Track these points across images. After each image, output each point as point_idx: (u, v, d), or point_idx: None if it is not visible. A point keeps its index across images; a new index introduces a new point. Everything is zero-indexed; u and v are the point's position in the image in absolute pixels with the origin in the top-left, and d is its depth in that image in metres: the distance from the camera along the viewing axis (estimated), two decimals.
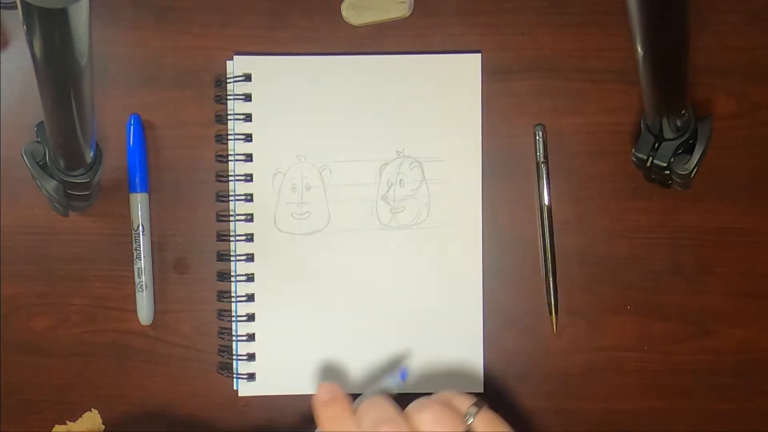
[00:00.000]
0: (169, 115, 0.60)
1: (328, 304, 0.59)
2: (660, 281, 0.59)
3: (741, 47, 0.59)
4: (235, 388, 0.59)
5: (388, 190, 0.59)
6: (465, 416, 0.46)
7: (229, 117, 0.59)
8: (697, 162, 0.52)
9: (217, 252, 0.60)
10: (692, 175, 0.53)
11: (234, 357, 0.59)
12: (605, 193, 0.59)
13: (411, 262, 0.59)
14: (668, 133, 0.52)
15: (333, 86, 0.59)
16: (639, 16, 0.41)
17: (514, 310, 0.59)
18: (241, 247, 0.59)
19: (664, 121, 0.51)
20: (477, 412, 0.47)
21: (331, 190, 0.59)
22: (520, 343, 0.59)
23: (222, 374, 0.59)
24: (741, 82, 0.59)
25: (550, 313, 0.59)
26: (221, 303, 0.59)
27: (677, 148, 0.53)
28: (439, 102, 0.59)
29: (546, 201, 0.59)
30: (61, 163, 0.51)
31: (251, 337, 0.59)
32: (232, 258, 0.59)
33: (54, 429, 0.59)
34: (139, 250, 0.59)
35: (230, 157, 0.59)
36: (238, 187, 0.59)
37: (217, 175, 0.60)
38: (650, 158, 0.54)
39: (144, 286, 0.59)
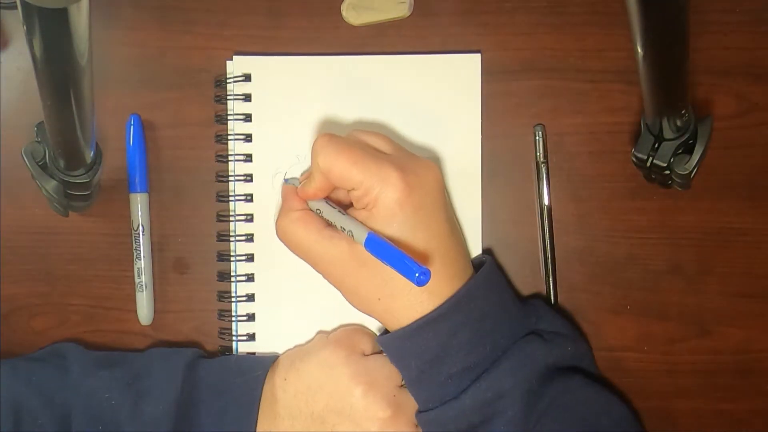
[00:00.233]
0: (169, 115, 0.60)
1: (329, 304, 0.59)
2: (660, 281, 0.59)
3: (741, 47, 0.59)
4: None
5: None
6: None
7: (229, 117, 0.59)
8: (697, 162, 0.52)
9: (217, 252, 0.60)
10: (692, 175, 0.53)
11: None
12: (605, 193, 0.59)
13: None
14: (668, 133, 0.52)
15: (333, 86, 0.59)
16: (639, 16, 0.41)
17: None
18: (241, 247, 0.59)
19: (664, 121, 0.51)
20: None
21: None
22: None
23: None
24: (741, 82, 0.59)
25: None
26: (221, 303, 0.59)
27: (677, 148, 0.53)
28: (439, 102, 0.59)
29: (546, 201, 0.59)
30: (61, 163, 0.51)
31: (252, 337, 0.59)
32: (232, 258, 0.59)
33: None
34: (139, 250, 0.59)
35: (230, 157, 0.59)
36: (238, 187, 0.59)
37: (217, 175, 0.60)
38: (650, 158, 0.54)
39: (144, 286, 0.59)
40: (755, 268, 0.59)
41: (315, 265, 0.53)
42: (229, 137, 0.59)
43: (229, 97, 0.59)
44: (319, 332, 0.59)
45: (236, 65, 0.59)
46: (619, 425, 0.53)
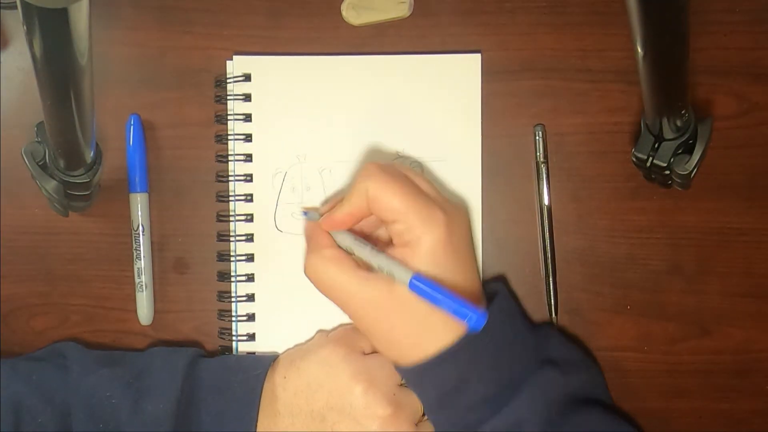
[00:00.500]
0: (169, 115, 0.60)
1: (329, 304, 0.59)
2: (660, 281, 0.59)
3: (741, 47, 0.59)
4: None
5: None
6: None
7: (229, 117, 0.59)
8: (697, 162, 0.52)
9: (217, 252, 0.60)
10: (692, 175, 0.53)
11: None
12: (605, 193, 0.59)
13: None
14: (668, 133, 0.52)
15: (333, 86, 0.59)
16: (639, 16, 0.41)
17: None
18: (241, 247, 0.59)
19: (664, 121, 0.51)
20: None
21: (331, 190, 0.59)
22: None
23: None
24: (741, 82, 0.59)
25: (550, 313, 0.59)
26: (221, 303, 0.59)
27: (677, 148, 0.53)
28: (439, 102, 0.59)
29: (546, 201, 0.59)
30: (61, 163, 0.51)
31: (252, 338, 0.59)
32: (232, 258, 0.59)
33: None
34: (139, 250, 0.59)
35: (230, 157, 0.59)
36: (238, 187, 0.59)
37: (217, 175, 0.60)
38: (650, 158, 0.54)
39: (144, 286, 0.59)
40: (755, 268, 0.59)
41: (346, 307, 0.52)
42: (229, 137, 0.59)
43: (229, 97, 0.59)
44: (319, 331, 0.59)
45: (236, 65, 0.59)
46: None
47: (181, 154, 0.60)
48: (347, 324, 0.58)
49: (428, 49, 0.59)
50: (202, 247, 0.60)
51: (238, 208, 0.59)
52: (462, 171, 0.59)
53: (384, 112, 0.59)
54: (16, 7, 0.56)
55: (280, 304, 0.59)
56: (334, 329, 0.58)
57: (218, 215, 0.60)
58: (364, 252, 0.51)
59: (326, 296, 0.53)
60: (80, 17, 0.35)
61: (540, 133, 0.59)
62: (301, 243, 0.59)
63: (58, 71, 0.39)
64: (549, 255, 0.59)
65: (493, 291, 0.55)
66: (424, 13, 0.59)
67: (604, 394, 0.57)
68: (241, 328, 0.59)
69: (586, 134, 0.59)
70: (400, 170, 0.53)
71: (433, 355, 0.50)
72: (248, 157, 0.59)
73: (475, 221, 0.59)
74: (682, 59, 0.45)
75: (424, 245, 0.49)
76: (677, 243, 0.59)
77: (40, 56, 0.38)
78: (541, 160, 0.59)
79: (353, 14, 0.59)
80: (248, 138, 0.59)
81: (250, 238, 0.59)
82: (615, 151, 0.59)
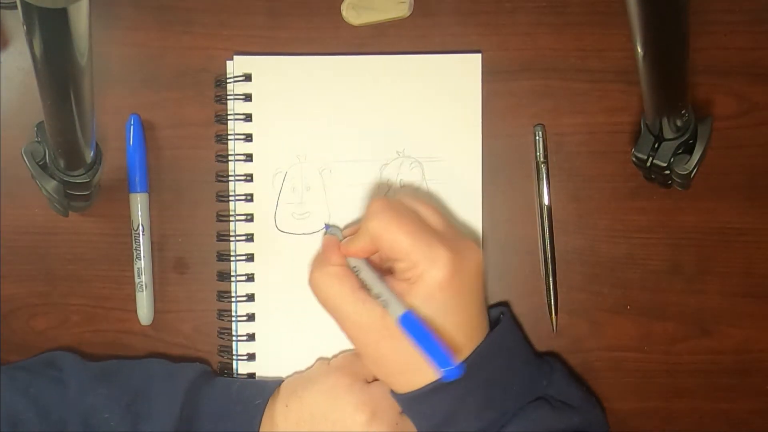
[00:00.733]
0: (169, 115, 0.60)
1: None
2: (660, 281, 0.59)
3: (741, 47, 0.59)
4: None
5: (388, 191, 0.59)
6: None
7: (229, 117, 0.59)
8: (697, 162, 0.52)
9: (217, 252, 0.60)
10: (692, 175, 0.53)
11: (234, 357, 0.59)
12: (605, 193, 0.59)
13: None
14: (668, 133, 0.52)
15: (333, 86, 0.59)
16: (639, 16, 0.41)
17: (514, 310, 0.59)
18: (241, 247, 0.59)
19: (664, 121, 0.51)
20: None
21: (331, 190, 0.59)
22: None
23: (222, 374, 0.59)
24: (741, 82, 0.59)
25: (550, 313, 0.59)
26: (221, 303, 0.59)
27: (677, 148, 0.53)
28: (439, 102, 0.59)
29: (546, 201, 0.59)
30: (61, 163, 0.51)
31: (251, 337, 0.59)
32: (232, 258, 0.59)
33: None
34: (139, 250, 0.59)
35: (230, 157, 0.59)
36: (238, 187, 0.59)
37: (217, 175, 0.60)
38: (650, 158, 0.54)
39: (144, 286, 0.59)
40: (755, 268, 0.59)
41: (341, 324, 0.53)
42: (229, 137, 0.59)
43: (229, 97, 0.59)
44: (320, 359, 0.59)
45: (236, 65, 0.59)
46: None
47: (181, 154, 0.60)
48: (348, 350, 0.58)
49: (428, 49, 0.59)
50: (202, 247, 0.60)
51: (238, 208, 0.59)
52: (462, 171, 0.59)
53: (384, 112, 0.59)
54: (16, 7, 0.56)
55: (279, 304, 0.59)
56: (335, 356, 0.58)
57: (218, 215, 0.60)
58: (369, 276, 0.52)
59: (325, 309, 0.53)
60: (80, 17, 0.35)
61: (540, 133, 0.59)
62: (301, 243, 0.59)
63: (58, 71, 0.39)
64: (549, 255, 0.59)
65: (495, 319, 0.55)
66: (424, 13, 0.59)
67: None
68: (241, 328, 0.59)
69: (586, 134, 0.59)
70: (409, 204, 0.53)
71: (422, 387, 0.50)
72: (248, 157, 0.59)
73: (476, 221, 0.59)
74: (682, 59, 0.45)
75: (424, 284, 0.49)
76: (677, 243, 0.59)
77: (40, 56, 0.38)
78: (541, 160, 0.59)
79: (353, 14, 0.59)
80: (248, 138, 0.59)
81: (250, 238, 0.59)
82: (615, 151, 0.59)
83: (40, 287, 0.60)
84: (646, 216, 0.59)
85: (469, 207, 0.59)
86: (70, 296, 0.60)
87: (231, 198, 0.59)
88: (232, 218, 0.59)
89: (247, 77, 0.59)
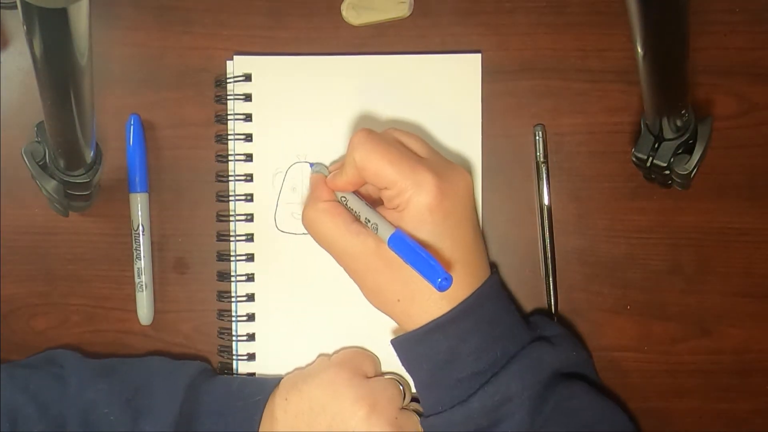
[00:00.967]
0: (169, 115, 0.60)
1: (329, 304, 0.59)
2: (660, 281, 0.59)
3: (741, 47, 0.59)
4: None
5: None
6: None
7: (229, 117, 0.59)
8: (697, 162, 0.52)
9: (217, 252, 0.60)
10: (692, 175, 0.53)
11: (234, 357, 0.59)
12: (605, 193, 0.59)
13: None
14: (668, 133, 0.52)
15: (333, 86, 0.59)
16: (639, 16, 0.41)
17: None
18: (241, 247, 0.59)
19: (664, 121, 0.51)
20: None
21: None
22: None
23: (222, 374, 0.59)
24: (741, 82, 0.59)
25: (550, 313, 0.59)
26: (221, 303, 0.59)
27: (677, 148, 0.53)
28: (439, 102, 0.59)
29: (546, 201, 0.59)
30: (61, 163, 0.51)
31: (251, 337, 0.59)
32: (232, 258, 0.59)
33: None
34: (139, 250, 0.59)
35: (230, 157, 0.59)
36: (238, 187, 0.59)
37: (217, 175, 0.60)
38: (650, 158, 0.54)
39: (144, 286, 0.59)
40: (755, 268, 0.59)
41: (338, 258, 0.53)
42: (229, 137, 0.59)
43: (229, 97, 0.59)
44: (320, 355, 0.59)
45: (236, 65, 0.59)
46: None
47: (181, 154, 0.60)
48: (349, 347, 0.58)
49: (428, 49, 0.59)
50: (202, 247, 0.60)
51: (238, 208, 0.59)
52: None
53: (384, 112, 0.59)
54: (16, 7, 0.56)
55: (279, 304, 0.59)
56: (335, 352, 0.58)
57: (218, 215, 0.60)
58: (358, 205, 0.52)
59: (321, 247, 0.54)
60: (80, 17, 0.35)
61: (540, 133, 0.59)
62: (301, 243, 0.59)
63: (58, 71, 0.39)
64: (549, 255, 0.59)
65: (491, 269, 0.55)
66: (424, 13, 0.59)
67: (591, 373, 0.56)
68: (241, 328, 0.59)
69: (586, 134, 0.59)
70: (392, 135, 0.53)
71: (422, 326, 0.51)
72: (248, 157, 0.59)
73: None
74: (682, 59, 0.45)
75: (411, 209, 0.50)
76: (677, 243, 0.59)
77: (40, 56, 0.38)
78: (541, 160, 0.59)
79: (353, 14, 0.59)
80: (248, 138, 0.59)
81: (250, 237, 0.59)
82: (615, 151, 0.59)
83: (40, 287, 0.60)
84: (646, 216, 0.59)
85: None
86: (70, 296, 0.60)
87: (231, 198, 0.59)
88: (232, 218, 0.59)
89: (247, 77, 0.59)
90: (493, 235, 0.59)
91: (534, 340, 0.53)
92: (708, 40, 0.58)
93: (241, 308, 0.59)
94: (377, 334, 0.58)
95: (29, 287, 0.60)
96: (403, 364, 0.54)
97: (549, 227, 0.59)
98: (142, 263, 0.59)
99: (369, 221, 0.51)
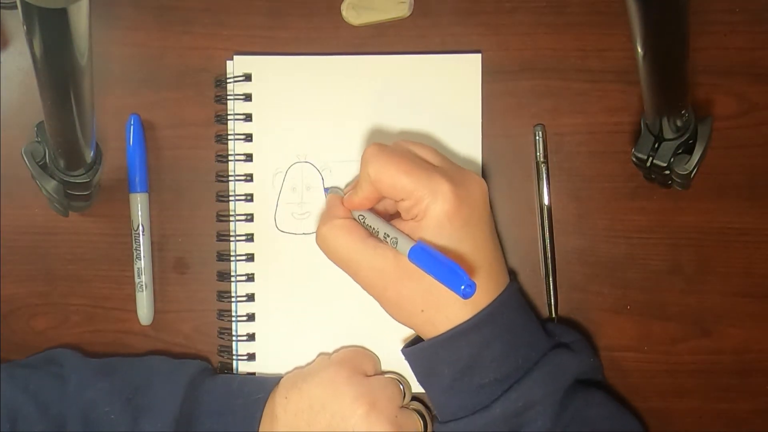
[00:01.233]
0: (169, 115, 0.60)
1: (329, 304, 0.59)
2: (660, 281, 0.59)
3: (741, 47, 0.59)
4: None
5: None
6: None
7: (229, 117, 0.59)
8: (697, 162, 0.52)
9: (217, 252, 0.60)
10: (692, 175, 0.53)
11: (234, 357, 0.59)
12: (605, 193, 0.59)
13: None
14: (668, 133, 0.52)
15: (333, 86, 0.59)
16: (639, 16, 0.41)
17: None
18: (241, 247, 0.59)
19: (664, 121, 0.51)
20: None
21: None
22: None
23: (222, 375, 0.59)
24: (741, 82, 0.59)
25: (550, 313, 0.59)
26: (221, 303, 0.59)
27: (677, 148, 0.53)
28: (439, 102, 0.59)
29: (546, 201, 0.59)
30: (61, 163, 0.51)
31: (251, 337, 0.59)
32: (232, 258, 0.59)
33: None
34: (139, 250, 0.59)
35: (230, 157, 0.59)
36: (238, 187, 0.59)
37: (217, 175, 0.60)
38: (650, 158, 0.54)
39: (144, 286, 0.59)
40: (755, 268, 0.59)
41: (355, 275, 0.52)
42: (229, 137, 0.59)
43: (229, 97, 0.59)
44: (321, 354, 0.59)
45: (236, 65, 0.59)
46: None
47: (181, 154, 0.60)
48: (349, 346, 0.58)
49: (428, 49, 0.59)
50: (202, 247, 0.60)
51: (238, 208, 0.59)
52: None
53: (384, 112, 0.59)
54: (16, 7, 0.56)
55: (279, 304, 0.59)
56: (335, 351, 0.58)
57: (218, 215, 0.60)
58: (375, 221, 0.52)
59: (337, 265, 0.53)
60: (80, 17, 0.35)
61: (540, 133, 0.59)
62: (301, 243, 0.59)
63: (58, 71, 0.39)
64: (549, 255, 0.59)
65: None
66: (424, 13, 0.59)
67: (604, 379, 0.57)
68: (241, 328, 0.59)
69: (586, 134, 0.59)
70: (404, 146, 0.53)
71: (444, 332, 0.50)
72: (248, 157, 0.59)
73: None
74: (682, 59, 0.45)
75: (430, 217, 0.49)
76: (677, 243, 0.59)
77: (40, 56, 0.38)
78: (541, 160, 0.59)
79: (353, 14, 0.59)
80: (248, 138, 0.59)
81: (250, 238, 0.59)
82: (615, 151, 0.59)
83: (40, 287, 0.60)
84: (646, 216, 0.59)
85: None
86: (70, 296, 0.60)
87: (231, 198, 0.59)
88: (232, 218, 0.59)
89: (247, 77, 0.59)
90: None
91: (554, 347, 0.53)
92: (708, 40, 0.58)
93: (241, 308, 0.59)
94: (377, 334, 0.58)
95: (29, 287, 0.60)
96: (419, 371, 0.54)
97: (549, 227, 0.59)
98: (142, 263, 0.59)
99: (388, 236, 0.50)
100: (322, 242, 0.53)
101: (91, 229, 0.60)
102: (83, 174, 0.52)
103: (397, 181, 0.50)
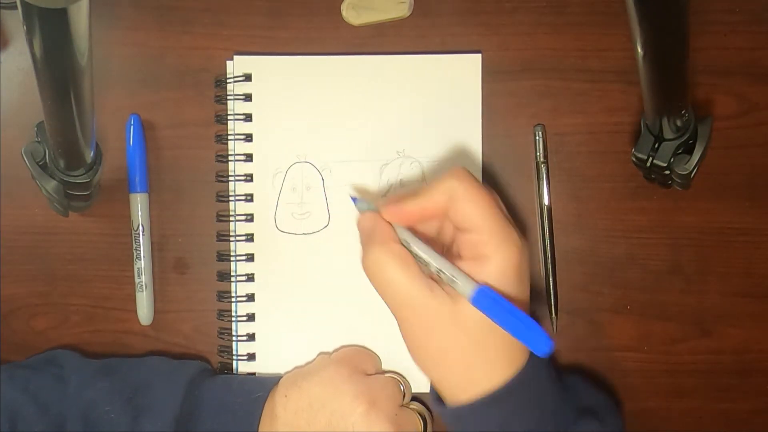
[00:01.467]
0: (169, 115, 0.60)
1: (329, 304, 0.59)
2: (660, 281, 0.59)
3: (741, 47, 0.59)
4: None
5: (388, 191, 0.59)
6: None
7: (229, 117, 0.59)
8: (697, 162, 0.52)
9: (217, 252, 0.60)
10: (692, 175, 0.53)
11: (234, 357, 0.59)
12: (605, 193, 0.59)
13: None
14: (668, 133, 0.52)
15: (333, 86, 0.59)
16: (639, 16, 0.41)
17: None
18: (241, 247, 0.59)
19: (664, 121, 0.51)
20: None
21: (331, 190, 0.59)
22: None
23: (222, 374, 0.59)
24: (741, 82, 0.59)
25: (550, 313, 0.59)
26: (221, 303, 0.59)
27: (677, 148, 0.53)
28: (439, 102, 0.59)
29: (546, 201, 0.59)
30: (61, 163, 0.51)
31: (251, 337, 0.59)
32: (232, 258, 0.59)
33: None
34: (139, 250, 0.59)
35: (230, 157, 0.59)
36: (238, 187, 0.59)
37: (217, 175, 0.60)
38: (650, 158, 0.54)
39: (144, 286, 0.59)
40: (755, 268, 0.59)
41: (398, 311, 0.48)
42: (229, 137, 0.59)
43: (229, 97, 0.59)
44: (321, 353, 0.59)
45: (236, 65, 0.59)
46: None
47: (181, 154, 0.60)
48: (349, 345, 0.58)
49: (428, 49, 0.59)
50: (202, 247, 0.60)
51: (238, 208, 0.59)
52: None
53: (384, 112, 0.59)
54: (16, 7, 0.56)
55: (279, 304, 0.59)
56: (336, 350, 0.58)
57: (218, 215, 0.60)
58: (427, 252, 0.47)
59: (380, 295, 0.48)
60: (80, 17, 0.35)
61: (540, 133, 0.59)
62: (301, 243, 0.59)
63: (58, 71, 0.39)
64: (549, 255, 0.59)
65: None
66: (424, 13, 0.59)
67: None
68: (241, 328, 0.59)
69: (586, 134, 0.59)
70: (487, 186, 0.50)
71: (478, 396, 0.47)
72: (248, 157, 0.59)
73: None
74: (682, 59, 0.45)
75: (496, 263, 0.46)
76: (677, 243, 0.59)
77: (40, 56, 0.38)
78: (541, 160, 0.59)
79: (353, 14, 0.59)
80: (248, 138, 0.59)
81: (250, 238, 0.59)
82: (615, 151, 0.59)
83: (40, 287, 0.60)
84: (646, 216, 0.59)
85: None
86: (70, 296, 0.60)
87: (231, 198, 0.59)
88: (232, 218, 0.59)
89: (247, 77, 0.59)
90: None
91: (583, 413, 0.51)
92: (708, 40, 0.58)
93: (241, 308, 0.59)
94: (377, 334, 0.58)
95: (29, 287, 0.60)
96: (449, 427, 0.50)
97: (549, 227, 0.59)
98: (142, 263, 0.59)
99: (443, 272, 0.46)
100: (372, 266, 0.48)
101: (91, 229, 0.60)
102: (83, 174, 0.52)
103: (479, 211, 0.46)
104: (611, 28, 0.59)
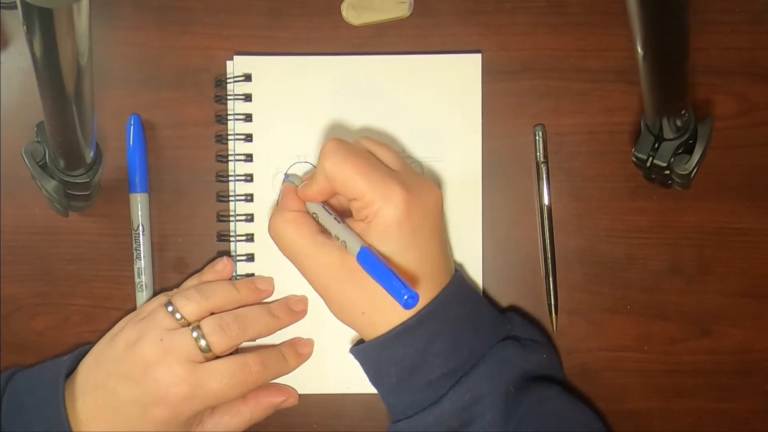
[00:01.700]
0: (169, 115, 0.60)
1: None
2: (660, 281, 0.59)
3: (741, 47, 0.59)
4: None
5: None
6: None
7: (229, 117, 0.59)
8: (697, 162, 0.52)
9: (217, 252, 0.60)
10: (692, 175, 0.53)
11: None
12: (605, 193, 0.59)
13: None
14: (668, 133, 0.52)
15: (333, 86, 0.59)
16: (639, 16, 0.41)
17: (515, 311, 0.59)
18: (241, 248, 0.59)
19: (664, 121, 0.51)
20: None
21: None
22: None
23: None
24: (741, 82, 0.59)
25: (550, 313, 0.59)
26: None
27: (677, 148, 0.53)
28: (439, 102, 0.59)
29: (546, 201, 0.59)
30: (61, 163, 0.51)
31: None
32: (233, 258, 0.59)
33: None
34: (139, 250, 0.59)
35: (230, 157, 0.59)
36: (239, 187, 0.59)
37: (217, 175, 0.60)
38: (650, 158, 0.54)
39: (144, 286, 0.59)
40: (755, 268, 0.59)
41: (302, 269, 0.53)
42: (229, 137, 0.59)
43: (229, 97, 0.59)
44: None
45: (236, 65, 0.59)
46: None
47: (181, 154, 0.60)
48: (270, 345, 0.58)
49: (428, 49, 0.59)
50: (202, 247, 0.60)
51: (238, 208, 0.59)
52: (462, 171, 0.59)
53: (384, 112, 0.59)
54: (16, 7, 0.56)
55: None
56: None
57: (218, 215, 0.60)
58: (327, 220, 0.52)
59: (286, 257, 0.54)
60: (80, 17, 0.35)
61: (540, 133, 0.59)
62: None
63: (58, 71, 0.39)
64: (549, 255, 0.59)
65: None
66: (424, 13, 0.59)
67: (561, 375, 0.57)
68: None
69: (586, 134, 0.59)
70: (363, 145, 0.53)
71: (388, 331, 0.50)
72: (248, 157, 0.59)
73: (475, 221, 0.59)
74: (682, 59, 0.45)
75: (380, 221, 0.50)
76: (677, 243, 0.59)
77: (40, 56, 0.38)
78: (541, 160, 0.59)
79: (353, 14, 0.59)
80: (248, 138, 0.59)
81: (250, 238, 0.59)
82: (615, 151, 0.59)
83: (40, 287, 0.60)
84: (646, 216, 0.59)
85: (469, 207, 0.59)
86: (70, 296, 0.60)
87: (231, 198, 0.59)
88: (232, 218, 0.59)
89: (247, 77, 0.59)
90: (493, 235, 0.59)
91: (505, 338, 0.53)
92: (708, 40, 0.58)
93: None
94: None
95: (29, 287, 0.60)
96: (369, 372, 0.54)
97: (549, 227, 0.59)
98: (142, 263, 0.59)
99: (338, 237, 0.51)
100: (273, 233, 0.54)
101: (91, 229, 0.60)
102: (83, 174, 0.52)
103: (351, 180, 0.50)
104: (611, 28, 0.59)
